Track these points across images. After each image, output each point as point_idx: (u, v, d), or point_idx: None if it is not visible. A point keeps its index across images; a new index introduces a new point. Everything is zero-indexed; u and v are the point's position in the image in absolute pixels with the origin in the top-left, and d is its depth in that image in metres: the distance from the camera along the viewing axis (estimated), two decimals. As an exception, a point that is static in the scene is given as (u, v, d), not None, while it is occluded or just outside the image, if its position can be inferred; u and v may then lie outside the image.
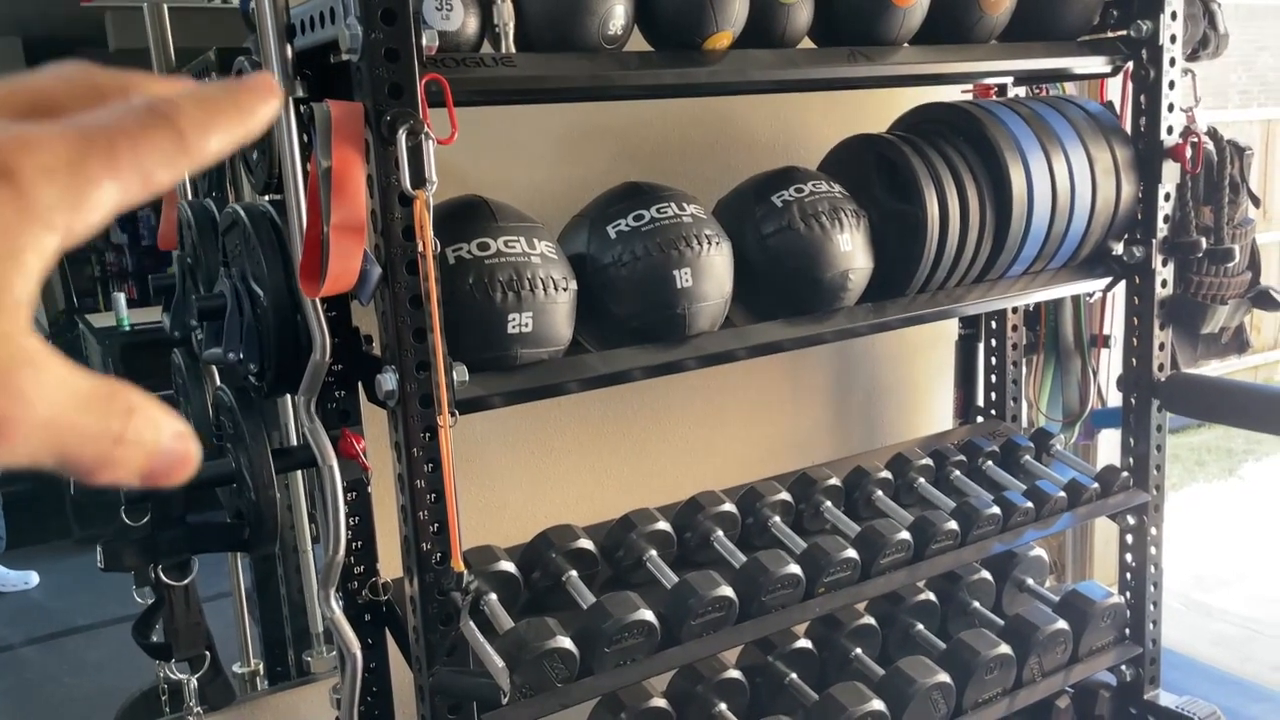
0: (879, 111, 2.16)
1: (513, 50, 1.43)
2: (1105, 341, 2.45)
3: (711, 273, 1.60)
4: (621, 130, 2.10)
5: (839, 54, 1.70)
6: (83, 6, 2.28)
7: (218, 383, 1.84)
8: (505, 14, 1.42)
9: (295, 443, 1.85)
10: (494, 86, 1.39)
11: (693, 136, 2.19)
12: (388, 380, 1.31)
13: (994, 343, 2.46)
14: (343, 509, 1.42)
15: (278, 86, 0.39)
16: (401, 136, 1.21)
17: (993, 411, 2.49)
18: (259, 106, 0.37)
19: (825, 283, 1.72)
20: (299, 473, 1.97)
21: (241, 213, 1.46)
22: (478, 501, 2.06)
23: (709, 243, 1.60)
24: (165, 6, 2.05)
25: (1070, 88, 2.42)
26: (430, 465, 1.34)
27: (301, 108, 1.30)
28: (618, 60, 1.50)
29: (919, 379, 2.62)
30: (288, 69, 1.29)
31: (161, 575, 1.48)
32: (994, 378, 2.47)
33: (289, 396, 1.73)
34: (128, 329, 4.67)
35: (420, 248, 1.25)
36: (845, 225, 1.73)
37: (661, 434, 2.27)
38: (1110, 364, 2.55)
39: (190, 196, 2.05)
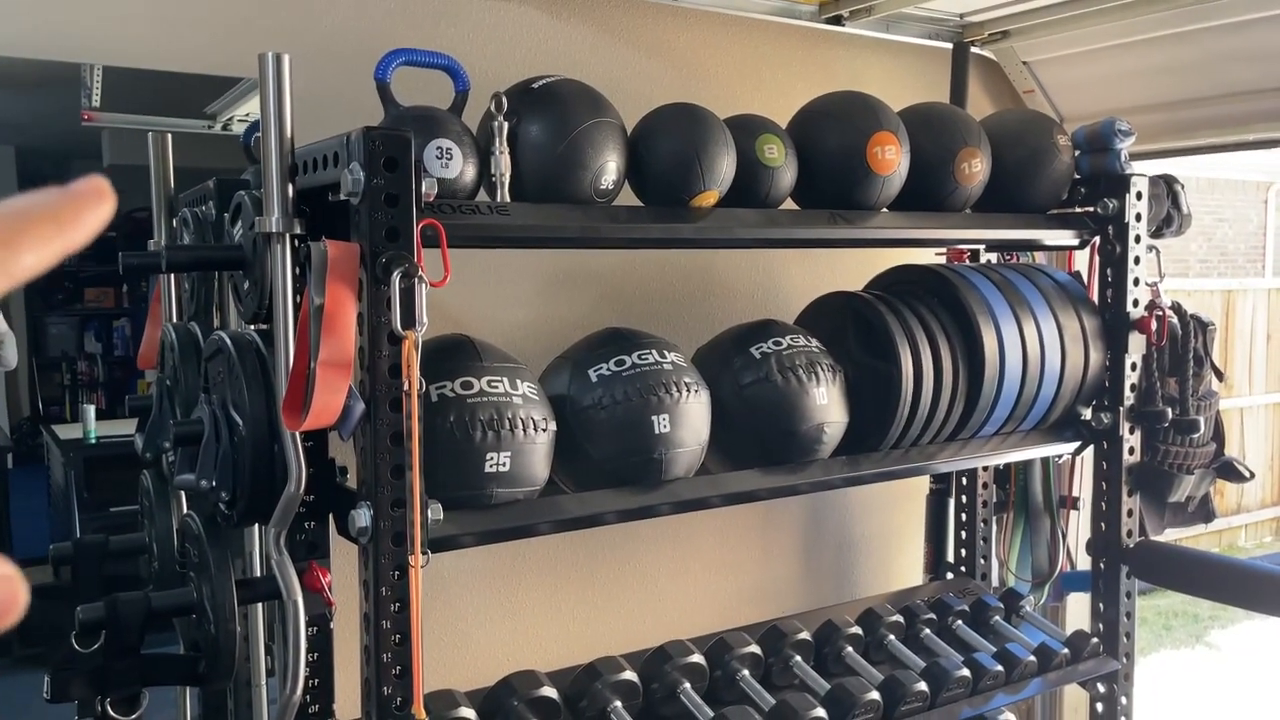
0: (857, 269, 2.23)
1: (508, 199, 1.48)
2: (1074, 503, 2.47)
3: (689, 420, 1.62)
4: (607, 276, 2.15)
5: (820, 216, 1.77)
6: (83, 125, 2.34)
7: (185, 509, 1.82)
8: (503, 165, 1.48)
9: (259, 572, 1.82)
10: (488, 233, 1.44)
11: (676, 285, 2.25)
12: (362, 517, 1.30)
13: (965, 499, 2.48)
14: (303, 647, 1.38)
15: (108, 190, 0.36)
16: (396, 279, 1.23)
17: (963, 568, 2.48)
18: (85, 216, 0.34)
19: (800, 435, 1.74)
20: (259, 603, 1.92)
21: (228, 340, 1.47)
22: (441, 640, 2.01)
23: (688, 390, 1.62)
24: (169, 133, 2.11)
25: (1040, 256, 2.51)
26: (398, 605, 1.31)
27: (298, 243, 1.33)
28: (608, 213, 1.55)
29: (890, 533, 2.63)
30: (288, 207, 1.32)
31: (109, 709, 1.42)
32: (964, 534, 2.48)
33: (257, 526, 1.71)
34: (94, 441, 4.61)
35: (406, 386, 1.26)
36: (822, 379, 1.76)
37: (633, 577, 2.25)
38: (1079, 526, 2.56)
39: (176, 318, 2.07)
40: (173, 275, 2.08)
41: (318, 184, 1.38)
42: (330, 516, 1.52)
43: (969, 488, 2.46)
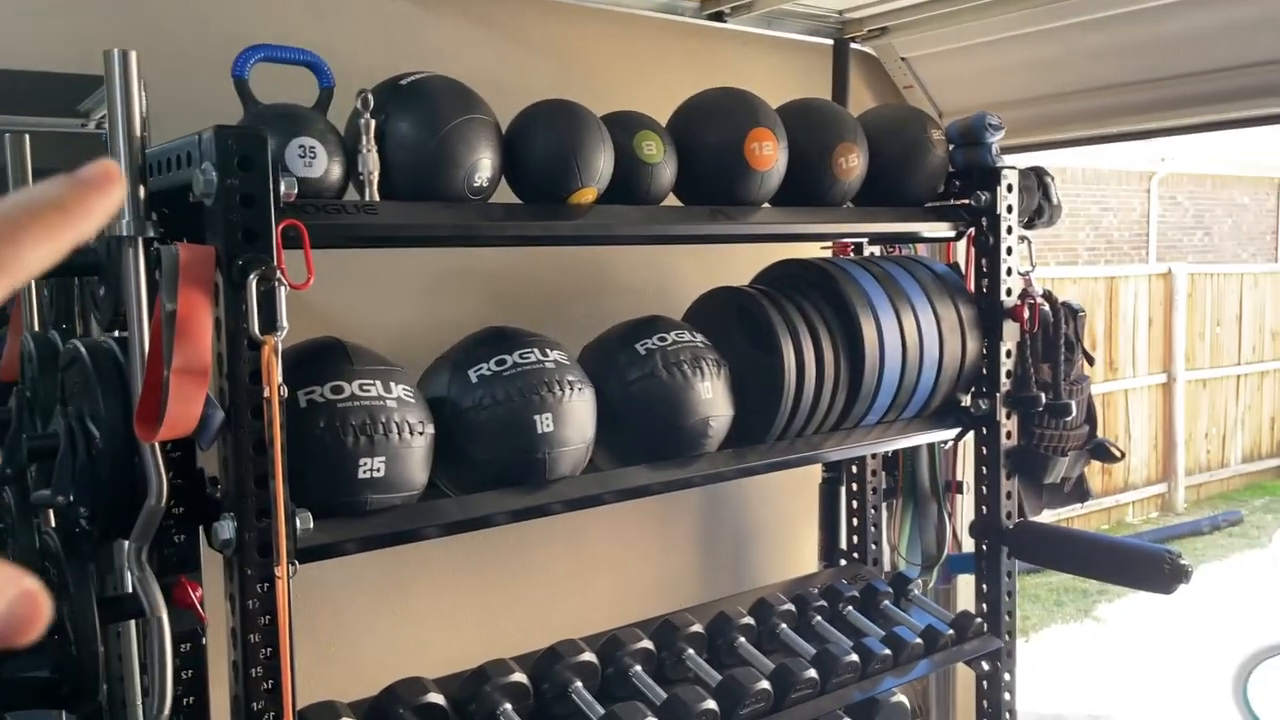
0: (744, 264, 2.24)
1: (377, 198, 1.45)
2: (959, 487, 2.54)
3: (573, 418, 1.61)
4: (490, 274, 2.12)
5: (701, 212, 1.78)
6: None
7: (47, 526, 1.74)
8: (370, 163, 1.44)
9: (131, 589, 1.75)
10: (355, 233, 1.40)
11: (562, 282, 2.23)
12: (225, 528, 1.26)
13: (855, 487, 2.52)
14: (170, 665, 1.33)
15: (119, 175, 0.35)
16: (253, 282, 1.19)
17: (855, 554, 2.53)
18: (93, 205, 0.34)
19: (687, 429, 1.75)
20: (131, 620, 1.85)
21: (82, 349, 1.41)
22: (327, 650, 1.96)
23: (571, 388, 1.61)
24: (27, 134, 2.01)
25: (921, 248, 2.57)
26: (266, 618, 1.28)
27: (153, 246, 1.28)
28: (482, 211, 1.53)
29: (785, 521, 2.66)
30: (139, 209, 1.27)
31: (-38, 739, 1.35)
32: (856, 521, 2.53)
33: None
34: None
35: (267, 393, 1.22)
36: (706, 374, 1.77)
37: (525, 577, 2.23)
38: (964, 509, 2.63)
39: (37, 326, 1.97)
40: (31, 282, 1.99)
41: (173, 185, 1.33)
42: (200, 529, 1.47)
43: (859, 475, 2.51)
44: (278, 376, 1.21)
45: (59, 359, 1.66)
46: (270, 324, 1.22)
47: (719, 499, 2.54)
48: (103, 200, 0.34)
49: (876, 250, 2.47)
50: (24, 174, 1.98)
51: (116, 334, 1.46)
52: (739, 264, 2.30)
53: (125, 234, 1.27)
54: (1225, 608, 5.30)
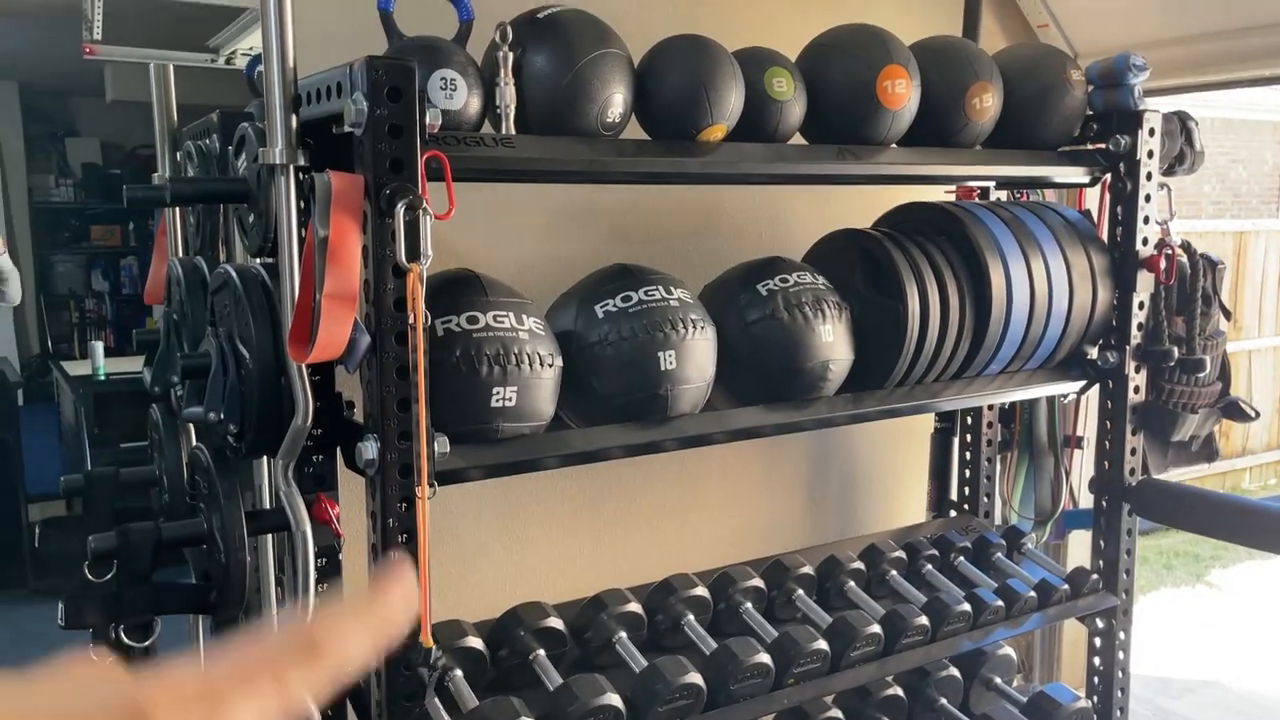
0: (865, 207, 2.21)
1: (513, 132, 1.47)
2: (1078, 443, 2.48)
3: (695, 356, 1.62)
4: (613, 211, 2.14)
5: (828, 151, 1.75)
6: (84, 59, 2.29)
7: (194, 441, 1.83)
8: (508, 96, 1.46)
9: (269, 504, 1.84)
10: (493, 166, 1.42)
11: (683, 222, 2.23)
12: (369, 449, 1.31)
13: (969, 438, 2.49)
14: (313, 576, 1.40)
15: (413, 594, 0.41)
16: (400, 211, 1.23)
17: (966, 506, 2.50)
18: (398, 617, 0.40)
19: (806, 372, 1.74)
20: (268, 534, 1.95)
21: (233, 274, 1.47)
22: (449, 573, 2.04)
23: (694, 327, 1.62)
24: (170, 65, 2.08)
25: (1050, 194, 2.48)
26: (405, 536, 1.33)
27: (302, 175, 1.32)
28: (614, 147, 1.54)
29: (894, 471, 2.64)
30: (291, 139, 1.31)
31: (123, 635, 1.45)
32: (968, 473, 2.49)
33: (265, 458, 1.73)
34: (103, 378, 4.62)
35: (411, 320, 1.26)
36: (828, 316, 1.76)
37: (637, 513, 2.27)
38: (1083, 465, 2.57)
39: (182, 253, 2.07)
40: (178, 209, 2.07)
41: (321, 115, 1.36)
42: (338, 449, 1.53)
43: (973, 426, 2.47)
44: (422, 304, 1.25)
45: (208, 283, 1.74)
46: (415, 253, 1.25)
47: (830, 443, 2.53)
48: (405, 614, 0.40)
49: (1003, 195, 2.40)
50: (169, 102, 2.05)
51: (263, 260, 1.53)
52: (859, 207, 2.27)
53: (277, 162, 1.31)
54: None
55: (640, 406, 1.60)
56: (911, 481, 2.64)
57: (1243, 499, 2.18)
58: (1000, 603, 1.97)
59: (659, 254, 2.16)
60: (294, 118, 1.32)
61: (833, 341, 1.76)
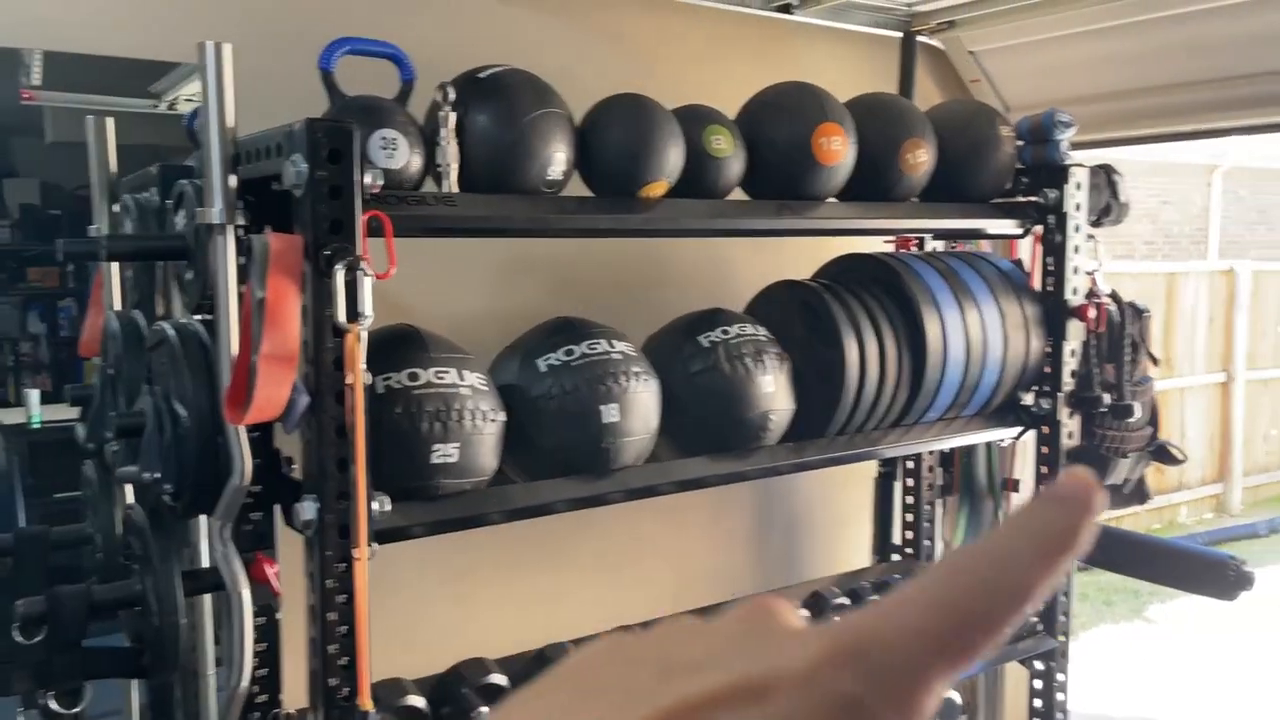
0: (805, 258, 2.25)
1: (455, 189, 1.48)
2: (1016, 486, 2.52)
3: (638, 408, 1.63)
4: (557, 265, 2.15)
5: (768, 207, 1.79)
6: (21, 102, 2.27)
7: (130, 500, 1.80)
8: (449, 154, 1.47)
9: (206, 563, 1.80)
10: (434, 224, 1.43)
11: (626, 274, 2.26)
12: (307, 509, 1.30)
13: (910, 483, 2.52)
14: (250, 639, 1.38)
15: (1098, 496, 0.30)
16: (339, 272, 1.23)
17: (909, 550, 2.53)
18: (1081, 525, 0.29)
19: (748, 422, 1.77)
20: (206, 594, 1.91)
21: (171, 331, 1.46)
22: (392, 629, 2.01)
23: (636, 379, 1.64)
24: (108, 119, 2.06)
25: (985, 244, 2.55)
26: (344, 597, 1.32)
27: (241, 234, 1.32)
28: (556, 204, 1.56)
29: (837, 516, 2.67)
30: (230, 198, 1.31)
31: (52, 702, 1.41)
32: (910, 517, 2.53)
33: (204, 517, 1.70)
34: (38, 426, 4.49)
35: (350, 379, 1.26)
36: (769, 367, 1.78)
37: (583, 564, 2.26)
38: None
39: (119, 305, 2.04)
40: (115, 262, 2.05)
41: (260, 174, 1.36)
42: (276, 507, 1.52)
43: (915, 471, 2.51)
44: (362, 364, 1.25)
45: (146, 339, 1.72)
46: (355, 312, 1.25)
47: (773, 491, 2.55)
48: (1088, 520, 0.30)
49: (940, 246, 2.46)
50: (106, 154, 2.03)
51: (201, 317, 1.51)
52: (800, 258, 2.31)
53: (215, 221, 1.31)
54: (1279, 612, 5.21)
55: (584, 459, 1.61)
56: (855, 526, 2.66)
57: (1175, 543, 2.24)
58: (942, 648, 1.99)
59: (603, 306, 2.17)
60: (233, 177, 1.32)
61: (774, 392, 1.78)
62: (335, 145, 1.25)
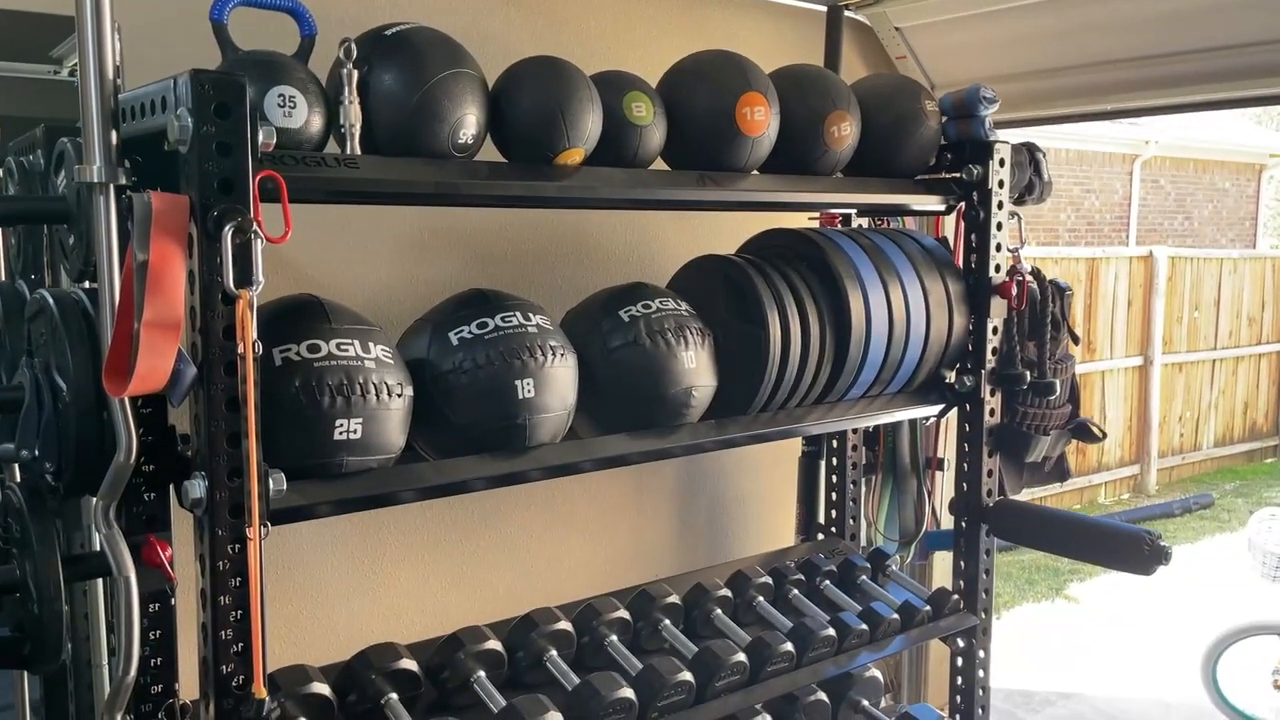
0: (730, 232, 2.21)
1: (358, 151, 1.40)
2: (940, 464, 2.53)
3: (555, 384, 1.58)
4: (472, 235, 2.09)
5: (689, 178, 1.74)
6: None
7: (15, 480, 1.69)
8: (352, 115, 1.40)
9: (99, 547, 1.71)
10: (334, 187, 1.36)
11: (546, 246, 2.20)
12: (196, 487, 1.22)
13: (835, 461, 2.51)
14: (137, 625, 1.30)
15: None
16: (227, 234, 1.15)
17: (834, 529, 2.52)
18: None
19: (669, 399, 1.72)
20: (94, 579, 1.81)
21: (50, 299, 1.36)
22: (296, 613, 1.94)
23: (553, 354, 1.58)
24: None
25: (910, 221, 2.54)
26: (237, 580, 1.25)
27: (125, 195, 1.23)
28: (465, 169, 1.49)
29: (763, 495, 2.65)
30: (111, 155, 1.22)
31: (-81, 697, 1.31)
32: (835, 495, 2.52)
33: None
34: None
35: (241, 349, 1.18)
36: (690, 343, 1.74)
37: (499, 544, 2.21)
38: (944, 487, 2.63)
39: (2, 276, 1.92)
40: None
41: (145, 131, 1.28)
42: (171, 487, 1.43)
43: (839, 450, 2.49)
44: (252, 332, 1.17)
45: (26, 309, 1.61)
46: (246, 278, 1.18)
47: (697, 469, 2.52)
48: None
49: (864, 222, 2.44)
50: (-9, 120, 1.91)
51: (86, 285, 1.42)
52: (724, 232, 2.27)
53: (96, 180, 1.22)
54: (1195, 590, 5.36)
55: (498, 436, 1.55)
56: (780, 505, 2.65)
57: (1089, 518, 2.25)
58: (864, 626, 1.98)
59: (522, 279, 2.12)
60: (114, 133, 1.23)
61: (696, 368, 1.74)
62: (223, 99, 1.17)
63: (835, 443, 2.50)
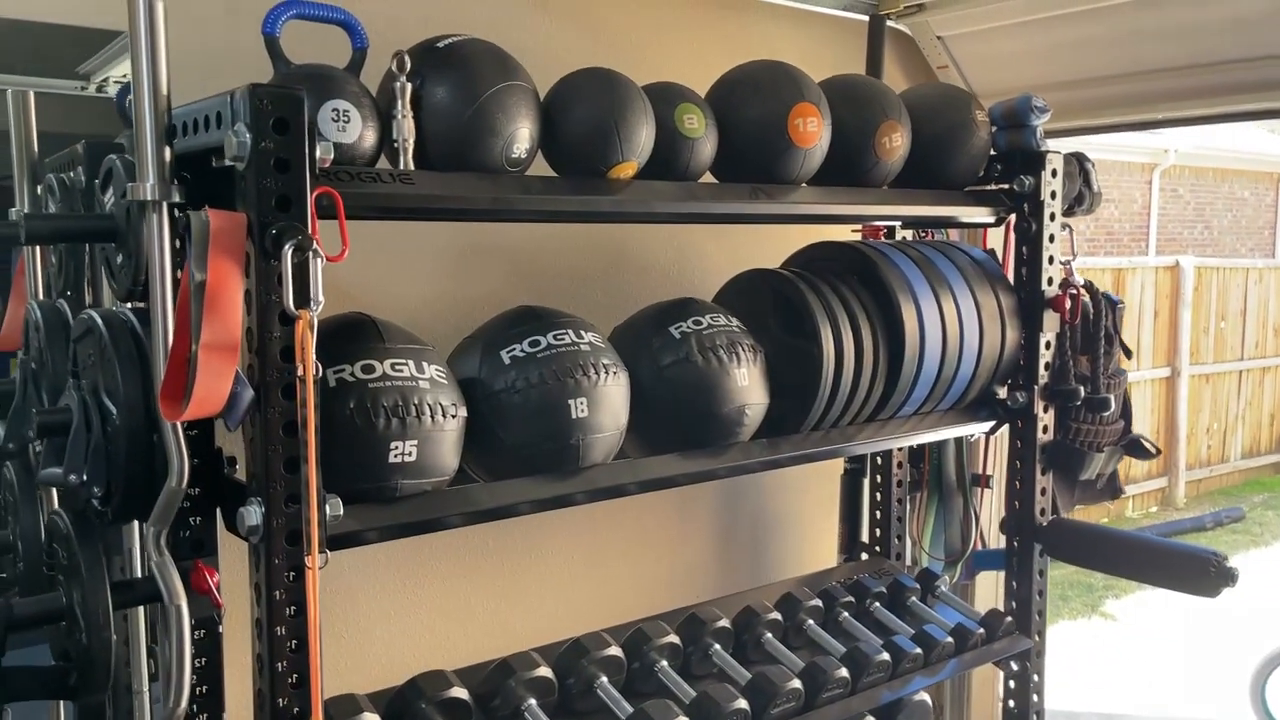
0: (771, 246, 2.17)
1: (411, 167, 1.37)
2: (987, 482, 2.47)
3: (608, 403, 1.54)
4: (514, 250, 2.05)
5: (741, 190, 1.70)
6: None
7: (55, 505, 1.66)
8: (405, 130, 1.37)
9: (140, 573, 1.67)
10: (390, 204, 1.32)
11: (586, 261, 2.16)
12: (252, 514, 1.18)
13: (879, 479, 2.46)
14: (189, 655, 1.26)
15: None
16: (288, 252, 1.12)
17: (877, 547, 2.47)
18: None
19: (721, 417, 1.68)
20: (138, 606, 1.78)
21: (98, 319, 1.33)
22: (342, 640, 1.90)
23: (606, 372, 1.54)
24: (30, 93, 1.92)
25: (953, 233, 2.49)
26: (293, 609, 1.21)
27: (177, 213, 1.20)
28: (520, 184, 1.45)
29: (805, 513, 2.60)
30: (164, 172, 1.19)
31: (-35, 730, 1.28)
32: (879, 513, 2.46)
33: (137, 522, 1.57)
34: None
35: (300, 371, 1.14)
36: (743, 360, 1.70)
37: (545, 566, 2.17)
38: (991, 504, 2.58)
39: (42, 295, 1.89)
40: (37, 247, 1.90)
41: (198, 147, 1.25)
42: (218, 511, 1.40)
43: (883, 467, 2.44)
44: (312, 353, 1.14)
45: (71, 329, 1.58)
46: (304, 298, 1.14)
47: (738, 488, 2.48)
48: None
49: (909, 235, 2.40)
50: (28, 132, 1.89)
51: (132, 305, 1.39)
52: (765, 245, 2.23)
53: (149, 198, 1.19)
54: (1235, 605, 5.26)
55: (550, 457, 1.51)
56: (822, 523, 2.60)
57: (1154, 539, 2.19)
58: (918, 650, 1.93)
59: (562, 295, 2.08)
60: (167, 150, 1.20)
61: (748, 386, 1.70)
62: (282, 113, 1.14)
63: (879, 460, 2.45)
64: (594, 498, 1.55)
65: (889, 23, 2.48)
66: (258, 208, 1.14)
